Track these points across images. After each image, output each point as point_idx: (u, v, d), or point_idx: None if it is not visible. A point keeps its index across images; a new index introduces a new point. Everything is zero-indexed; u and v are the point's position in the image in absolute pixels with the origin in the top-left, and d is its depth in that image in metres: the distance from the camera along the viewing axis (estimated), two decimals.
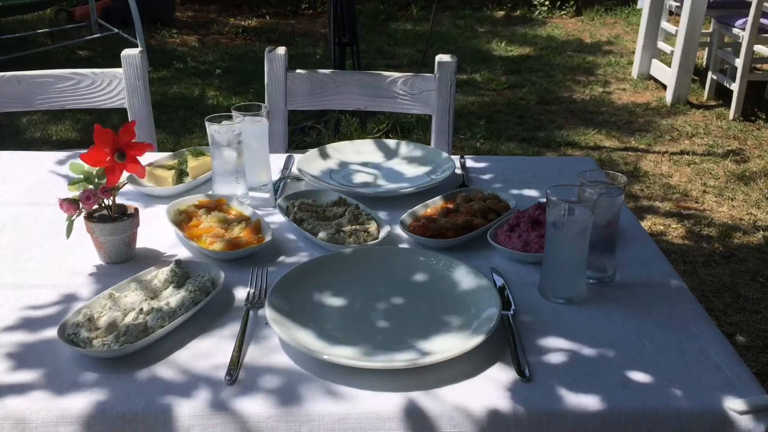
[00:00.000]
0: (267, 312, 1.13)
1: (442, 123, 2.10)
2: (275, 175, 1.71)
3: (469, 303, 1.20)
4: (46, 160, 1.81)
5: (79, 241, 1.36)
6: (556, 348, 1.11)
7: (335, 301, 1.22)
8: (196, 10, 8.03)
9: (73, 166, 1.36)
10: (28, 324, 1.15)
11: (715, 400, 1.00)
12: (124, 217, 1.34)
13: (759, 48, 4.78)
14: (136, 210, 1.38)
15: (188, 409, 0.97)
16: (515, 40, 7.02)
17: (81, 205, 1.31)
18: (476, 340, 1.08)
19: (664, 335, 1.14)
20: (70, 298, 1.23)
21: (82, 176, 1.33)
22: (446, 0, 8.14)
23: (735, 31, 4.88)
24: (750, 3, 4.61)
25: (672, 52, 5.28)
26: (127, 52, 2.02)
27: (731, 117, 4.86)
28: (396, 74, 2.11)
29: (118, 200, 1.36)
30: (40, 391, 1.00)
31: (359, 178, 1.74)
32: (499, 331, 1.13)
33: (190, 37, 6.96)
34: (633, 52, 6.10)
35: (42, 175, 1.73)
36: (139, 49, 2.04)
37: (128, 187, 1.60)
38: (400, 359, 1.06)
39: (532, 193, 1.67)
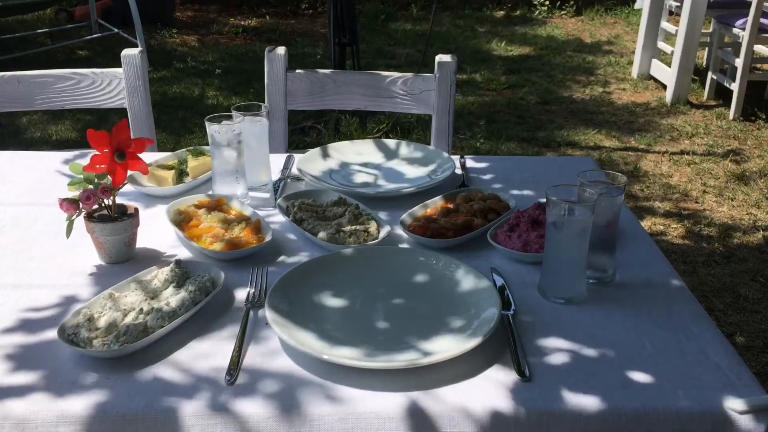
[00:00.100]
0: (267, 312, 1.13)
1: (442, 123, 2.10)
2: (275, 175, 1.71)
3: (469, 303, 1.20)
4: (46, 160, 1.81)
5: (79, 241, 1.36)
6: (556, 348, 1.11)
7: (335, 301, 1.22)
8: (196, 10, 8.03)
9: (73, 166, 1.36)
10: (28, 324, 1.15)
11: (715, 400, 1.00)
12: (124, 217, 1.34)
13: (759, 48, 4.78)
14: (136, 210, 1.38)
15: (188, 409, 0.97)
16: (515, 40, 7.03)
17: (81, 205, 1.31)
18: (476, 340, 1.08)
19: (664, 335, 1.14)
20: (70, 298, 1.23)
21: (82, 176, 1.33)
22: (446, 0, 8.13)
23: (735, 31, 4.88)
24: (750, 3, 4.61)
25: (672, 52, 5.28)
26: (127, 52, 2.02)
27: (731, 117, 4.86)
28: (396, 74, 2.11)
29: (118, 200, 1.36)
30: (40, 391, 1.00)
31: (359, 178, 1.74)
32: (499, 331, 1.13)
33: (190, 37, 6.96)
34: (633, 52, 6.10)
35: (42, 175, 1.73)
36: (139, 49, 2.04)
37: (128, 187, 1.60)
38: (400, 359, 1.06)
39: (532, 193, 1.67)
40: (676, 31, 5.21)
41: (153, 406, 0.98)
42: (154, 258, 1.37)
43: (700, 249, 3.29)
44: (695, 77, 5.44)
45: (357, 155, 1.85)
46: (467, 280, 1.26)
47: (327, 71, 2.14)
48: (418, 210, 1.52)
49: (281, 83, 2.09)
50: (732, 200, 3.76)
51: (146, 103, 2.07)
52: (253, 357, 1.08)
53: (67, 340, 1.07)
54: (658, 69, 5.57)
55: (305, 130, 4.43)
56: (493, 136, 4.59)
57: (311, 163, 1.77)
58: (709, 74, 5.25)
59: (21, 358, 1.07)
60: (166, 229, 1.46)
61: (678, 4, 5.35)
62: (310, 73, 2.11)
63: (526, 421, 0.97)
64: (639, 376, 1.04)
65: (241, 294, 1.25)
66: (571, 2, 8.15)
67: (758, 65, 4.94)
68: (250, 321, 1.17)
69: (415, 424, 0.97)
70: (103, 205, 1.35)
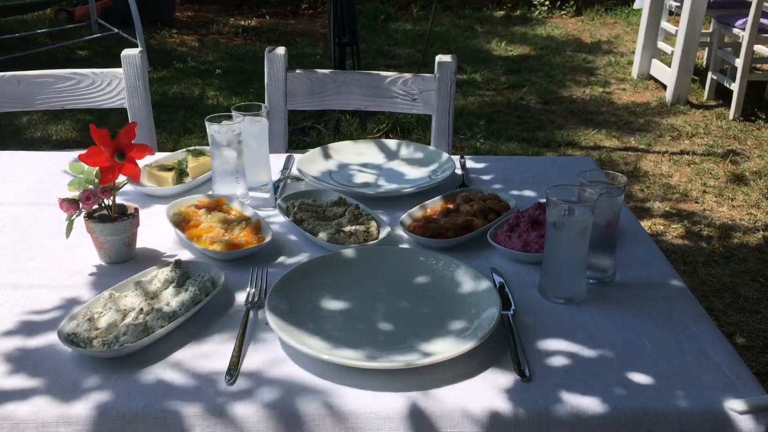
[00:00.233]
0: (267, 312, 1.13)
1: (442, 123, 2.10)
2: (275, 175, 1.71)
3: (469, 303, 1.20)
4: (46, 160, 1.81)
5: (79, 241, 1.36)
6: (556, 348, 1.11)
7: (335, 302, 1.22)
8: (196, 10, 8.03)
9: (73, 166, 1.36)
10: (27, 324, 1.15)
11: (715, 400, 1.00)
12: (124, 217, 1.34)
13: (759, 48, 4.78)
14: (136, 210, 1.38)
15: (188, 410, 0.97)
16: (515, 40, 7.03)
17: (81, 205, 1.31)
18: (476, 340, 1.08)
19: (664, 335, 1.14)
20: (70, 298, 1.23)
21: (82, 176, 1.33)
22: (446, 0, 8.13)
23: (735, 31, 4.88)
24: (750, 3, 4.61)
25: (672, 52, 5.28)
26: (127, 52, 2.02)
27: (731, 117, 4.86)
28: (396, 74, 2.11)
29: (118, 200, 1.36)
30: (40, 391, 1.00)
31: (359, 178, 1.74)
32: (499, 331, 1.13)
33: (190, 37, 6.96)
34: (633, 52, 6.10)
35: (42, 175, 1.73)
36: (139, 49, 2.04)
37: (128, 187, 1.60)
38: (400, 359, 1.06)
39: (532, 193, 1.67)
40: (676, 31, 5.21)
41: (153, 406, 0.98)
42: (154, 258, 1.37)
43: (700, 249, 3.29)
44: (695, 77, 5.44)
45: (357, 155, 1.85)
46: (467, 280, 1.26)
47: (327, 71, 2.14)
48: (418, 210, 1.52)
49: (281, 83, 2.09)
50: (732, 200, 3.76)
51: (146, 103, 2.07)
52: (253, 357, 1.08)
53: (67, 341, 1.07)
54: (658, 69, 5.57)
55: (305, 130, 4.43)
56: (493, 136, 4.59)
57: (311, 163, 1.77)
58: (709, 74, 5.25)
59: (21, 359, 1.07)
60: (166, 229, 1.46)
61: (678, 4, 5.35)
62: (310, 73, 2.11)
63: (526, 421, 0.97)
64: (639, 377, 1.04)
65: (241, 294, 1.25)
66: (571, 2, 8.15)
67: (758, 65, 4.94)
68: (250, 321, 1.17)
69: (415, 424, 0.97)
70: (103, 205, 1.35)
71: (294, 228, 1.46)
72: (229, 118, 1.52)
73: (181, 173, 1.69)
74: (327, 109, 4.35)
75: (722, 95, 5.18)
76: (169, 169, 1.67)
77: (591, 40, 7.08)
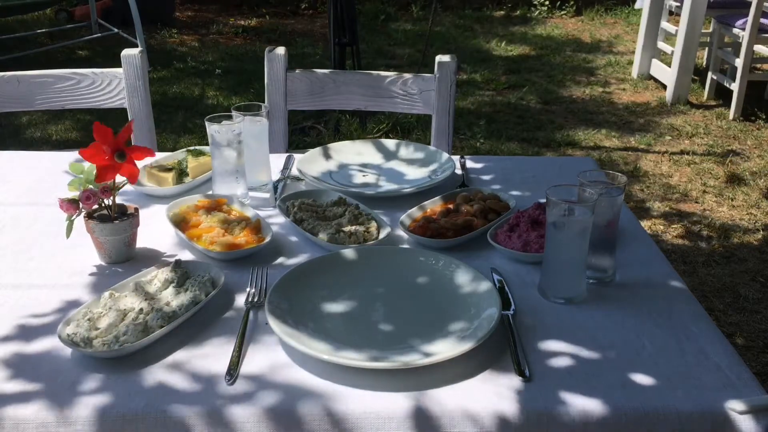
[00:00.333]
0: (267, 312, 1.13)
1: (442, 123, 2.10)
2: (275, 175, 1.71)
3: (469, 303, 1.20)
4: (46, 160, 1.81)
5: (79, 241, 1.36)
6: (556, 348, 1.11)
7: (335, 302, 1.22)
8: (196, 10, 8.03)
9: (73, 166, 1.36)
10: (27, 324, 1.15)
11: (715, 400, 1.00)
12: (124, 217, 1.34)
13: (759, 48, 4.78)
14: (136, 210, 1.38)
15: (188, 410, 0.97)
16: (515, 40, 7.03)
17: (81, 205, 1.31)
18: (476, 340, 1.08)
19: (664, 335, 1.14)
20: (70, 298, 1.23)
21: (82, 176, 1.33)
22: (446, 0, 8.13)
23: (735, 31, 4.88)
24: (750, 3, 4.61)
25: (672, 52, 5.28)
26: (127, 52, 2.02)
27: (731, 117, 4.86)
28: (396, 74, 2.11)
29: (118, 200, 1.36)
30: (40, 391, 1.00)
31: (359, 178, 1.74)
32: (499, 331, 1.13)
33: (190, 37, 6.96)
34: (633, 52, 6.10)
35: (42, 175, 1.73)
36: (139, 49, 2.04)
37: (128, 187, 1.59)
38: (400, 359, 1.06)
39: (532, 193, 1.67)
40: (676, 31, 5.21)
41: (153, 406, 0.98)
42: (154, 258, 1.37)
43: (700, 249, 3.29)
44: (695, 77, 5.44)
45: (357, 155, 1.85)
46: (467, 281, 1.26)
47: (327, 71, 2.14)
48: (418, 210, 1.52)
49: (281, 83, 2.09)
50: (732, 200, 3.76)
51: (146, 103, 2.07)
52: (253, 358, 1.08)
53: (68, 341, 1.07)
54: (658, 69, 5.57)
55: (305, 130, 4.43)
56: (493, 136, 4.59)
57: (311, 163, 1.77)
58: (709, 74, 5.25)
59: (21, 359, 1.07)
60: (166, 229, 1.46)
61: (678, 4, 5.35)
62: (310, 73, 2.11)
63: (526, 421, 0.97)
64: (639, 377, 1.04)
65: (241, 294, 1.25)
66: (571, 2, 8.15)
67: (758, 65, 4.94)
68: (250, 321, 1.17)
69: (415, 424, 0.97)
70: (103, 205, 1.35)
71: (294, 228, 1.46)
72: (229, 118, 1.52)
73: (181, 173, 1.69)
74: (327, 109, 4.35)
75: (722, 95, 5.18)
76: (169, 169, 1.67)
77: (591, 40, 7.08)
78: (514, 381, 1.03)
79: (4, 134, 4.45)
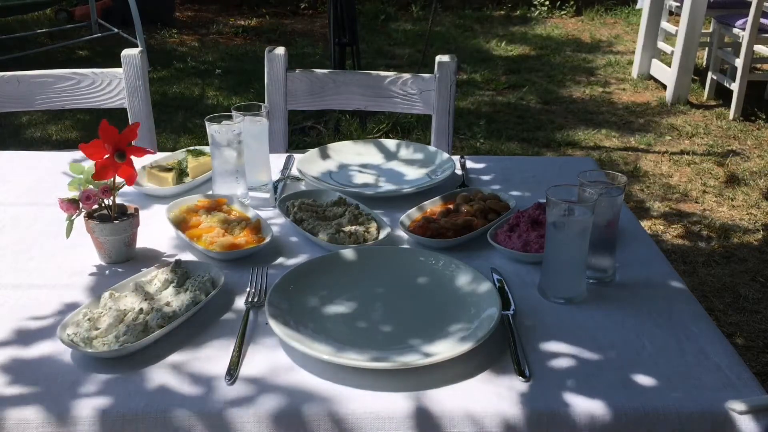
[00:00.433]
0: (267, 312, 1.13)
1: (442, 123, 2.10)
2: (275, 175, 1.71)
3: (469, 303, 1.20)
4: (46, 160, 1.81)
5: (79, 241, 1.36)
6: (556, 348, 1.11)
7: (335, 302, 1.22)
8: (196, 10, 8.03)
9: (73, 166, 1.36)
10: (27, 324, 1.15)
11: (715, 400, 1.00)
12: (124, 217, 1.34)
13: (759, 48, 4.78)
14: (136, 210, 1.38)
15: (188, 410, 0.97)
16: (515, 39, 7.03)
17: (81, 205, 1.31)
18: (476, 340, 1.08)
19: (664, 335, 1.14)
20: (70, 298, 1.23)
21: (82, 176, 1.33)
22: (446, 0, 8.13)
23: (735, 31, 4.88)
24: (750, 3, 4.61)
25: (672, 52, 5.28)
26: (127, 52, 2.02)
27: (731, 117, 4.86)
28: (396, 74, 2.11)
29: (118, 200, 1.36)
30: (40, 391, 1.00)
31: (359, 178, 1.74)
32: (499, 331, 1.13)
33: (190, 37, 6.96)
34: (633, 52, 6.10)
35: (42, 175, 1.73)
36: (139, 49, 2.04)
37: (128, 187, 1.59)
38: (400, 359, 1.06)
39: (532, 193, 1.67)
40: (676, 31, 5.21)
41: (153, 406, 0.98)
42: (154, 258, 1.37)
43: (700, 249, 3.29)
44: (695, 77, 5.44)
45: (357, 156, 1.85)
46: (467, 281, 1.26)
47: (327, 71, 2.14)
48: (418, 211, 1.52)
49: (281, 83, 2.09)
50: (732, 200, 3.76)
51: (146, 103, 2.07)
52: (253, 358, 1.08)
53: (68, 341, 1.07)
54: (658, 69, 5.57)
55: (305, 130, 4.43)
56: (493, 136, 4.59)
57: (311, 163, 1.77)
58: (709, 74, 5.25)
59: (21, 359, 1.07)
60: (166, 229, 1.46)
61: (678, 4, 5.35)
62: (310, 73, 2.11)
63: (526, 421, 0.97)
64: (639, 377, 1.04)
65: (241, 294, 1.25)
66: (571, 2, 8.15)
67: (758, 65, 4.94)
68: (250, 321, 1.17)
69: (414, 424, 0.97)
70: (103, 205, 1.35)
71: (294, 228, 1.46)
72: (229, 118, 1.52)
73: (181, 173, 1.69)
74: (327, 109, 4.35)
75: (722, 95, 5.18)
76: (169, 169, 1.67)
77: (591, 40, 7.08)
78: (514, 381, 1.03)
79: (4, 134, 4.45)
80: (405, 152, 1.87)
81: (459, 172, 1.77)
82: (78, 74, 2.06)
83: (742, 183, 3.96)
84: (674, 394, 1.01)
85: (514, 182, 1.73)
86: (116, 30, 5.99)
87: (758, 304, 2.88)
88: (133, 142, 1.32)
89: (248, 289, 1.25)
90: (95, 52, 6.22)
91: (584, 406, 0.98)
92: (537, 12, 8.10)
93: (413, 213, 1.50)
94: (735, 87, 4.82)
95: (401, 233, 1.45)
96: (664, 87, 5.38)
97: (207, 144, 1.57)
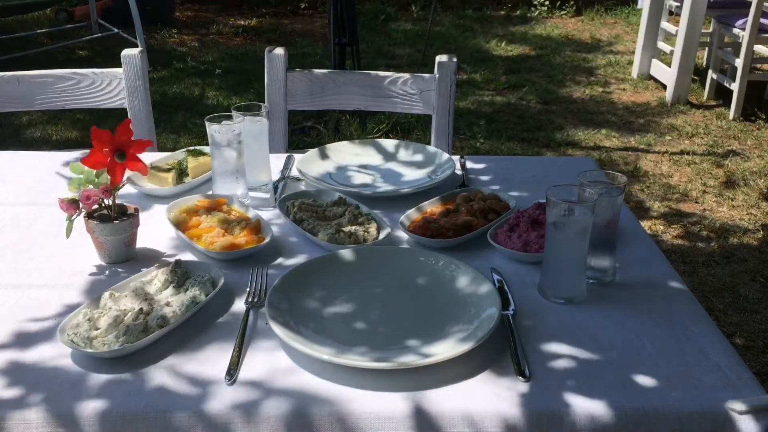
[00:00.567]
0: (267, 312, 1.13)
1: (442, 123, 2.10)
2: (275, 175, 1.71)
3: (469, 303, 1.20)
4: (46, 160, 1.81)
5: (79, 241, 1.36)
6: (556, 348, 1.11)
7: (335, 302, 1.22)
8: (196, 10, 8.03)
9: (74, 167, 1.36)
10: (27, 324, 1.15)
11: (715, 400, 1.00)
12: (124, 217, 1.34)
13: (759, 48, 4.78)
14: (136, 210, 1.38)
15: (188, 410, 0.97)
16: (515, 39, 7.02)
17: (81, 205, 1.31)
18: (476, 340, 1.08)
19: (664, 335, 1.14)
20: (70, 298, 1.23)
21: (82, 176, 1.33)
22: (446, 0, 8.13)
23: (735, 31, 4.88)
24: (750, 3, 4.61)
25: (672, 52, 5.28)
26: (127, 52, 2.02)
27: (731, 117, 4.86)
28: (396, 74, 2.11)
29: (118, 200, 1.36)
30: (40, 391, 1.00)
31: (359, 178, 1.74)
32: (499, 331, 1.13)
33: (190, 37, 6.96)
34: (633, 52, 6.10)
35: (42, 175, 1.73)
36: (139, 49, 2.04)
37: (128, 187, 1.60)
38: (400, 359, 1.06)
39: (532, 193, 1.66)
40: (676, 31, 5.21)
41: (153, 406, 0.98)
42: (154, 258, 1.37)
43: (700, 249, 3.29)
44: (695, 77, 5.44)
45: (357, 156, 1.85)
46: (467, 281, 1.26)
47: (327, 71, 2.14)
48: (418, 211, 1.51)
49: (281, 83, 2.09)
50: (732, 200, 3.76)
51: (146, 103, 2.07)
52: (252, 357, 1.08)
53: (67, 341, 1.07)
54: (658, 69, 5.57)
55: (305, 130, 4.43)
56: (493, 136, 4.59)
57: (311, 163, 1.77)
58: (709, 74, 5.25)
59: (21, 359, 1.07)
60: (166, 229, 1.46)
61: (678, 4, 5.35)
62: (310, 73, 2.11)
63: (526, 421, 0.97)
64: (639, 377, 1.04)
65: (241, 294, 1.25)
66: (571, 2, 8.15)
67: (758, 65, 4.94)
68: (250, 321, 1.17)
69: (414, 424, 0.97)
70: (103, 205, 1.35)
71: (294, 228, 1.46)
72: (229, 118, 1.52)
73: (181, 173, 1.69)
74: (327, 109, 4.35)
75: (722, 95, 5.18)
76: (169, 169, 1.67)
77: (591, 40, 7.08)
78: (514, 381, 1.03)
79: (4, 134, 4.45)
80: (405, 152, 1.87)
81: (459, 172, 1.77)
82: (78, 74, 2.06)
83: (742, 183, 3.96)
84: (674, 394, 1.01)
85: (514, 182, 1.73)
86: (116, 30, 5.99)
87: (758, 304, 2.88)
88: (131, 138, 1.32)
89: (248, 289, 1.25)
90: (95, 52, 6.22)
91: (584, 406, 0.98)
92: (537, 12, 8.10)
93: (413, 213, 1.50)
94: (735, 87, 4.82)
95: (401, 233, 1.45)
96: (664, 87, 5.38)
97: (207, 144, 1.57)
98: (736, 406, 0.98)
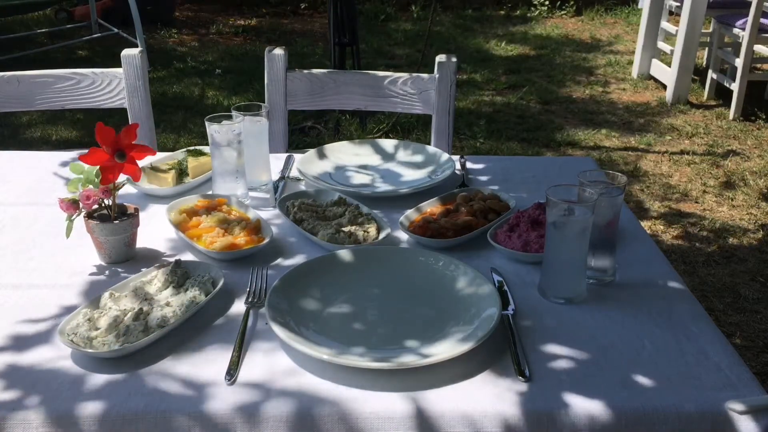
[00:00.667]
0: (267, 312, 1.13)
1: (442, 123, 2.10)
2: (275, 175, 1.71)
3: (469, 303, 1.20)
4: (46, 160, 1.81)
5: (79, 241, 1.36)
6: (556, 348, 1.11)
7: (335, 301, 1.22)
8: (195, 10, 8.03)
9: (73, 166, 1.36)
10: (28, 324, 1.15)
11: (715, 400, 1.00)
12: (124, 217, 1.34)
13: (759, 48, 4.78)
14: (136, 210, 1.38)
15: (188, 410, 0.97)
16: (515, 39, 7.03)
17: (81, 205, 1.31)
18: (476, 340, 1.08)
19: (664, 335, 1.14)
20: (70, 298, 1.23)
21: (82, 176, 1.33)
22: (446, 0, 8.13)
23: (735, 31, 4.88)
24: (750, 3, 4.61)
25: (672, 52, 5.28)
26: (127, 52, 2.02)
27: (731, 117, 4.86)
28: (396, 74, 2.11)
29: (118, 200, 1.36)
30: (39, 391, 1.00)
31: (359, 178, 1.74)
32: (499, 331, 1.13)
33: (190, 37, 6.96)
34: (633, 52, 6.10)
35: (42, 175, 1.73)
36: (139, 49, 2.04)
37: (128, 187, 1.60)
38: (400, 359, 1.06)
39: (532, 193, 1.66)
40: (676, 31, 5.21)
41: (153, 406, 0.98)
42: (154, 258, 1.37)
43: (700, 249, 3.29)
44: (695, 77, 5.44)
45: (356, 156, 1.85)
46: (467, 281, 1.26)
47: (327, 71, 2.14)
48: (418, 211, 1.51)
49: (281, 83, 2.09)
50: (732, 200, 3.76)
51: (146, 103, 2.07)
52: (252, 357, 1.08)
53: (67, 341, 1.07)
54: (658, 69, 5.57)
55: (305, 130, 4.43)
56: (493, 136, 4.59)
57: (311, 164, 1.77)
58: (709, 74, 5.25)
59: (21, 359, 1.07)
60: (166, 229, 1.46)
61: (678, 4, 5.35)
62: (310, 73, 2.11)
63: (526, 421, 0.97)
64: (639, 377, 1.04)
65: (241, 294, 1.25)
66: (571, 2, 8.15)
67: (758, 65, 4.94)
68: (250, 321, 1.17)
69: (415, 424, 0.97)
70: (103, 205, 1.35)
71: (294, 228, 1.46)
72: (229, 118, 1.52)
73: (181, 173, 1.69)
74: (327, 109, 4.35)
75: (722, 95, 5.18)
76: (169, 169, 1.67)
77: (591, 40, 7.08)
78: (514, 381, 1.03)
79: (4, 134, 4.45)
80: (405, 152, 1.87)
81: (459, 172, 1.77)
82: (78, 74, 2.06)
83: (742, 183, 3.96)
84: (674, 394, 1.01)
85: (514, 182, 1.73)
86: (116, 30, 5.99)
87: (758, 304, 2.88)
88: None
89: (248, 289, 1.25)
90: (95, 52, 6.22)
91: (584, 406, 0.98)
92: (537, 12, 8.10)
93: (413, 213, 1.50)
94: (735, 87, 4.82)
95: (401, 233, 1.45)
96: (664, 87, 5.38)
97: (207, 144, 1.56)
98: (736, 406, 0.98)
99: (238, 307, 1.21)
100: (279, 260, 1.37)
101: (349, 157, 1.84)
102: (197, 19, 7.71)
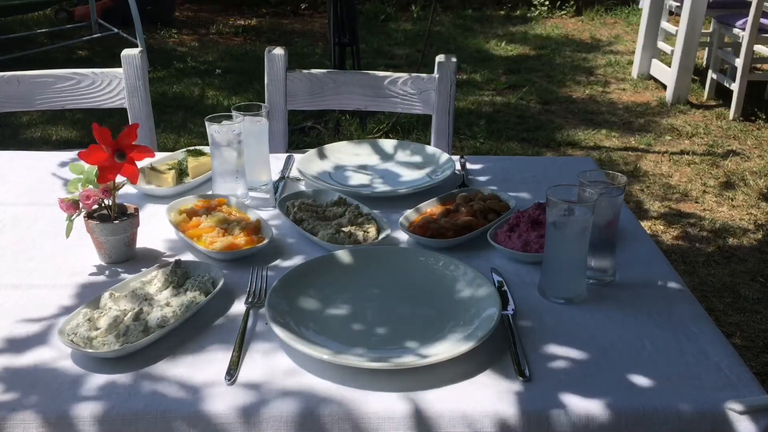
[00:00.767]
0: (267, 312, 1.13)
1: (442, 123, 2.10)
2: (275, 175, 1.71)
3: (468, 303, 1.20)
4: (46, 160, 1.81)
5: (79, 241, 1.36)
6: (556, 348, 1.11)
7: (335, 301, 1.22)
8: (195, 10, 8.03)
9: (73, 167, 1.36)
10: (27, 324, 1.15)
11: (715, 400, 1.00)
12: (124, 217, 1.34)
13: (759, 48, 4.78)
14: (136, 210, 1.38)
15: (188, 410, 0.97)
16: (515, 39, 7.03)
17: (81, 205, 1.31)
18: (476, 340, 1.08)
19: (664, 335, 1.14)
20: (70, 298, 1.23)
21: (81, 176, 1.33)
22: (446, 0, 8.13)
23: (735, 31, 4.88)
24: (750, 3, 4.61)
25: (672, 52, 5.28)
26: (127, 52, 2.02)
27: (731, 117, 4.86)
28: (396, 74, 2.11)
29: (118, 200, 1.36)
30: (39, 391, 1.00)
31: (359, 178, 1.74)
32: (499, 331, 1.13)
33: (190, 37, 6.96)
34: (633, 52, 6.10)
35: (42, 175, 1.73)
36: (139, 49, 2.04)
37: (128, 187, 1.60)
38: (400, 359, 1.06)
39: (532, 193, 1.66)
40: (676, 31, 5.21)
41: (153, 407, 0.98)
42: (154, 258, 1.37)
43: (700, 249, 3.29)
44: (695, 77, 5.44)
45: (356, 156, 1.85)
46: (467, 281, 1.26)
47: (327, 71, 2.14)
48: (417, 211, 1.51)
49: (281, 83, 2.09)
50: (732, 200, 3.76)
51: (146, 103, 2.07)
52: (252, 357, 1.08)
53: (67, 341, 1.07)
54: (658, 69, 5.57)
55: (305, 130, 4.43)
56: (493, 136, 4.59)
57: (310, 164, 1.77)
58: (709, 74, 5.25)
59: (21, 359, 1.07)
60: (166, 229, 1.46)
61: (678, 4, 5.35)
62: (310, 73, 2.11)
63: (526, 421, 0.97)
64: (639, 377, 1.04)
65: (241, 294, 1.25)
66: (571, 2, 8.15)
67: (758, 65, 4.94)
68: (250, 321, 1.17)
69: (414, 424, 0.97)
70: (103, 205, 1.35)
71: (294, 228, 1.46)
72: (229, 118, 1.52)
73: (181, 173, 1.69)
74: (327, 109, 4.35)
75: (722, 95, 5.18)
76: (169, 169, 1.67)
77: (591, 40, 7.08)
78: (514, 381, 1.03)
79: (4, 134, 4.45)
80: (404, 152, 1.87)
81: (459, 172, 1.77)
82: (78, 74, 2.06)
83: (742, 183, 3.96)
84: (674, 394, 1.01)
85: (514, 182, 1.73)
86: (116, 30, 5.99)
87: (758, 304, 2.88)
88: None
89: (248, 289, 1.25)
90: (95, 52, 6.22)
91: (584, 406, 0.98)
92: (537, 12, 8.10)
93: (413, 213, 1.50)
94: (735, 87, 4.82)
95: (401, 233, 1.45)
96: (664, 87, 5.38)
97: (207, 144, 1.56)
98: (735, 406, 0.98)
99: (238, 307, 1.21)
100: (279, 260, 1.37)
101: (349, 157, 1.84)
102: (197, 19, 7.71)
